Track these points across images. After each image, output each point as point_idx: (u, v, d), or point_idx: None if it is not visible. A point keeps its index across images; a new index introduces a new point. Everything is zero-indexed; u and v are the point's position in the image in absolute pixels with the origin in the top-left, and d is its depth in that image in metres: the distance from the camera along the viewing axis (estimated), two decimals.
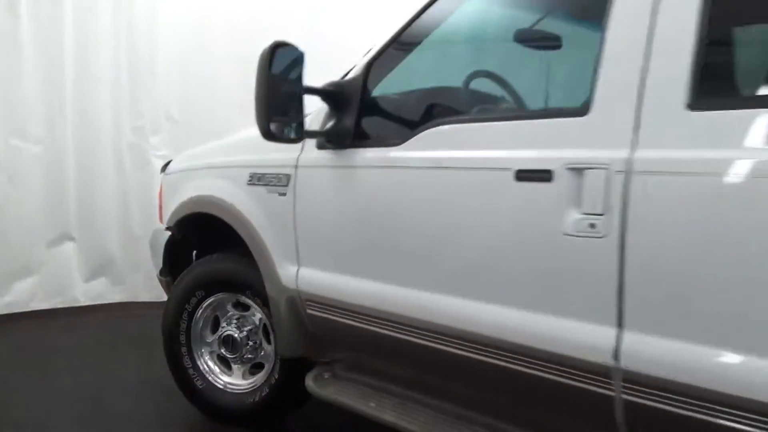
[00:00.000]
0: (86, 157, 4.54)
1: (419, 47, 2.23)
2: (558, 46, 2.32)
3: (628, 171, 1.52)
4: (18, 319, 4.37)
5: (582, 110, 1.65)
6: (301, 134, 2.08)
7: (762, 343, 1.35)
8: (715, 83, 1.51)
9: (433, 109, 2.19)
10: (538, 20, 2.36)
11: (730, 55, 1.67)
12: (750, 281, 1.36)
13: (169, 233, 3.06)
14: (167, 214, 3.06)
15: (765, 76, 1.70)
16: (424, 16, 2.15)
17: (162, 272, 3.18)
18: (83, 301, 4.65)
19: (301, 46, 3.65)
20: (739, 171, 1.37)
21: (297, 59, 2.02)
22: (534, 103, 2.30)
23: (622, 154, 1.54)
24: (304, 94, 2.07)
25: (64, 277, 4.59)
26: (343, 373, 2.46)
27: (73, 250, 4.61)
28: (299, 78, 2.04)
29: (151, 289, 4.40)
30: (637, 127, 1.53)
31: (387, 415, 2.19)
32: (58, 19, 4.32)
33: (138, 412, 3.00)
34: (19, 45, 4.23)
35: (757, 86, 1.72)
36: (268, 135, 1.98)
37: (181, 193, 2.97)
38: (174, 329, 2.91)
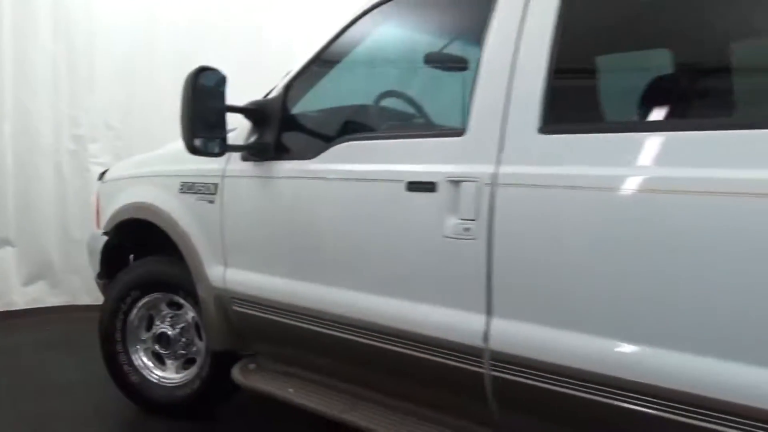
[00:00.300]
0: (25, 164, 4.64)
1: (332, 70, 2.50)
2: (459, 69, 2.62)
3: (493, 184, 1.82)
4: None
5: (461, 131, 1.95)
6: (224, 149, 2.32)
7: (597, 325, 1.65)
8: (562, 111, 1.83)
9: (343, 126, 2.46)
10: (444, 46, 2.65)
11: (576, 85, 1.99)
12: (587, 274, 1.67)
13: (105, 238, 3.24)
14: (104, 220, 3.24)
15: (608, 104, 2.03)
16: (336, 42, 2.43)
17: (99, 275, 3.35)
18: (21, 305, 4.74)
19: (241, 48, 3.96)
20: (576, 184, 1.68)
21: (219, 81, 2.26)
22: (431, 121, 2.58)
23: (489, 169, 1.84)
24: (226, 112, 2.31)
25: (2, 282, 4.67)
26: (267, 364, 2.70)
27: (12, 255, 4.70)
28: (222, 98, 2.28)
29: (90, 293, 4.52)
30: (501, 147, 1.84)
31: (306, 400, 2.44)
32: None
33: (75, 408, 3.15)
34: None
35: (600, 112, 2.04)
36: (192, 150, 2.22)
37: (117, 200, 3.16)
38: (110, 328, 3.09)
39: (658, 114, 1.90)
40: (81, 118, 4.77)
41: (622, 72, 2.14)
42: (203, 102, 2.22)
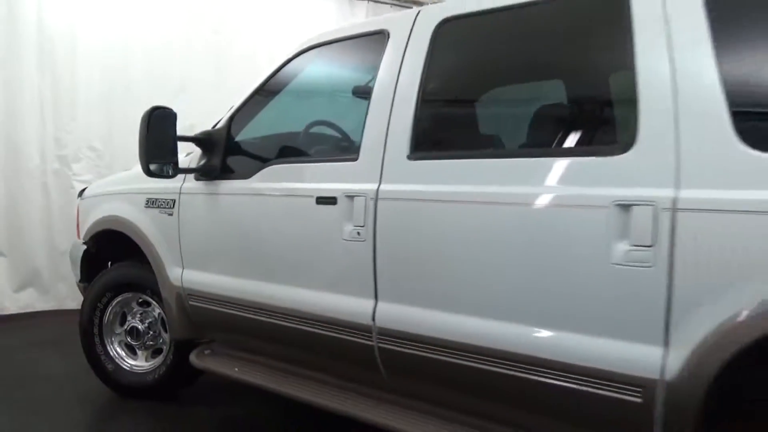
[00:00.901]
0: (15, 183, 5.16)
1: (267, 104, 3.05)
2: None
3: (377, 198, 2.36)
4: None
5: (355, 156, 2.49)
6: (176, 172, 2.86)
7: (450, 304, 2.19)
8: (429, 140, 2.37)
9: (274, 151, 3.00)
10: (370, 80, 3.19)
11: (437, 119, 2.53)
12: (442, 266, 2.20)
13: (85, 247, 3.76)
14: (83, 232, 3.77)
15: (463, 136, 2.58)
16: (269, 82, 2.98)
17: (80, 279, 3.87)
18: (13, 310, 5.25)
19: (206, 68, 4.52)
20: (432, 198, 2.23)
21: (171, 117, 2.80)
22: (345, 146, 3.11)
23: (374, 186, 2.38)
24: (177, 142, 2.84)
25: None
26: (219, 349, 3.23)
27: (3, 265, 5.21)
28: (173, 130, 2.81)
29: (75, 299, 5.00)
30: (383, 169, 2.38)
31: (248, 376, 2.97)
32: None
33: (59, 394, 3.65)
34: None
35: (452, 143, 2.58)
36: (148, 173, 2.76)
37: (94, 214, 3.68)
38: (88, 324, 3.61)
39: (481, 144, 2.46)
40: (65, 140, 5.29)
41: (471, 109, 2.69)
42: (157, 134, 2.75)
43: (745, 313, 1.61)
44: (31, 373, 4.00)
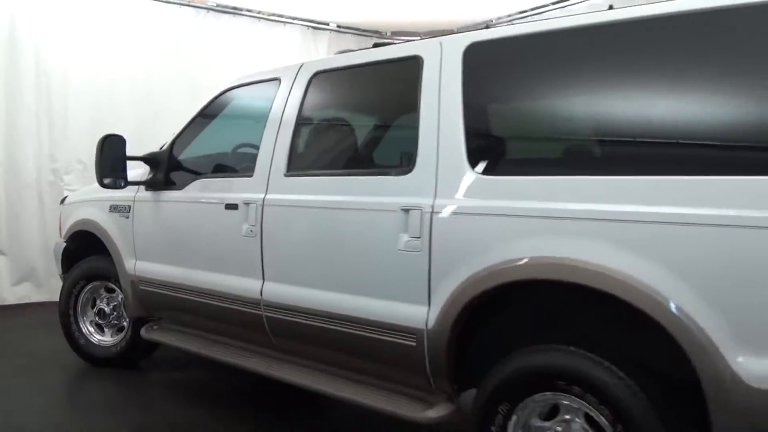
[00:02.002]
0: (14, 192, 6.06)
1: (200, 131, 3.89)
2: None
3: (263, 205, 3.19)
4: None
5: (251, 173, 3.32)
6: (126, 184, 3.71)
7: (308, 282, 3.00)
8: (298, 162, 3.20)
9: (202, 168, 3.82)
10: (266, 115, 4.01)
11: (304, 147, 3.34)
12: (300, 255, 3.02)
13: (64, 244, 4.62)
14: (64, 232, 4.63)
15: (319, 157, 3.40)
16: (201, 114, 3.83)
17: (62, 272, 4.73)
18: (11, 301, 6.13)
19: (181, 96, 5.34)
20: (297, 205, 3.05)
21: (120, 141, 3.65)
22: (247, 166, 3.83)
23: (262, 196, 3.21)
24: (127, 161, 3.69)
25: None
26: (164, 325, 4.06)
27: (3, 262, 6.10)
28: (123, 152, 3.66)
29: None
30: (269, 183, 3.22)
31: (183, 344, 3.80)
32: None
33: (42, 363, 4.50)
34: None
35: (312, 164, 3.39)
36: (102, 185, 3.62)
37: (71, 217, 4.54)
38: (66, 307, 4.46)
39: (325, 165, 3.29)
40: (57, 156, 6.19)
41: (323, 140, 3.51)
42: (109, 155, 3.60)
43: (470, 281, 2.42)
44: (21, 349, 4.86)
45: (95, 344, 4.45)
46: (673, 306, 1.95)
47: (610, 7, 2.40)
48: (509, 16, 7.21)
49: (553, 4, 6.47)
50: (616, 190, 2.14)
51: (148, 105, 6.45)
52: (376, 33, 8.05)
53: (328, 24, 7.75)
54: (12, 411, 3.66)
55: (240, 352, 3.55)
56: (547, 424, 2.33)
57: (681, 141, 2.15)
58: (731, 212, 1.89)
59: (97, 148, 3.61)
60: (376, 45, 3.13)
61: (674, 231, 1.99)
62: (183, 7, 6.84)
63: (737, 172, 1.94)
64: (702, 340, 1.91)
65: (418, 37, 7.79)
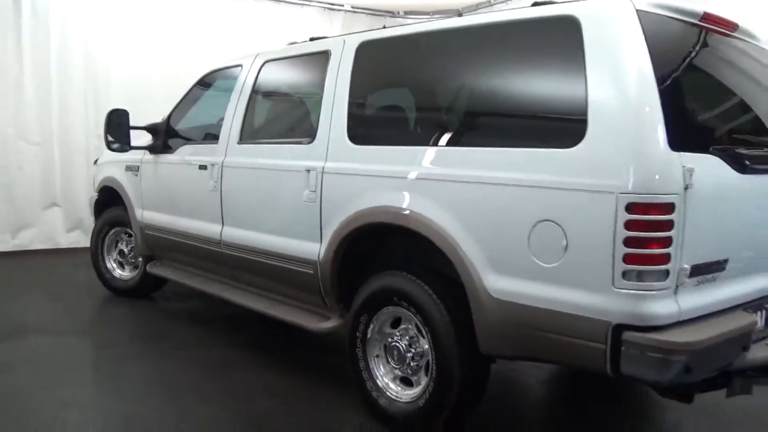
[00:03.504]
0: (66, 155, 7.24)
1: (190, 107, 4.82)
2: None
3: (223, 166, 4.10)
4: (23, 255, 7.10)
5: (216, 141, 4.22)
6: (129, 149, 4.69)
7: (247, 225, 3.90)
8: (247, 133, 4.07)
9: (190, 136, 4.76)
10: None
11: (250, 121, 4.17)
12: (242, 205, 3.91)
13: (96, 196, 5.71)
14: (95, 187, 5.71)
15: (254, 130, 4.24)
16: (188, 94, 4.75)
17: (95, 219, 5.82)
18: (65, 245, 7.36)
19: None
20: (242, 166, 3.94)
21: (124, 114, 4.63)
22: (216, 134, 4.68)
23: (222, 159, 4.11)
24: (130, 130, 4.67)
25: (53, 229, 7.32)
26: (165, 262, 5.07)
27: (58, 213, 7.33)
28: (127, 122, 4.63)
29: None
30: (227, 149, 4.11)
31: (177, 277, 4.79)
32: (46, 74, 7.06)
33: (79, 289, 5.63)
34: (24, 89, 6.95)
35: (254, 135, 4.23)
36: (110, 149, 4.62)
37: (100, 175, 5.61)
38: (94, 248, 5.56)
39: (263, 135, 4.13)
40: (101, 126, 7.28)
41: (263, 117, 4.35)
42: (116, 125, 4.59)
43: (343, 224, 3.24)
44: (65, 281, 6.03)
45: (117, 278, 5.53)
46: (451, 239, 2.73)
47: (459, 14, 3.13)
48: None
49: None
50: (429, 157, 2.91)
51: (177, 83, 7.40)
52: (389, 13, 8.76)
53: (342, 5, 8.51)
54: (44, 322, 4.77)
55: (211, 282, 4.50)
56: (394, 330, 3.15)
57: (471, 123, 2.91)
58: (487, 174, 2.64)
59: (105, 120, 4.61)
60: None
61: (456, 187, 2.75)
62: None
63: (499, 145, 2.68)
64: (467, 264, 2.68)
65: (427, 17, 8.52)
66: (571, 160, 2.40)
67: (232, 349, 4.22)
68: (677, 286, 2.32)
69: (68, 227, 7.41)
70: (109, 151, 5.65)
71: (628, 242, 2.25)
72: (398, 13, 8.83)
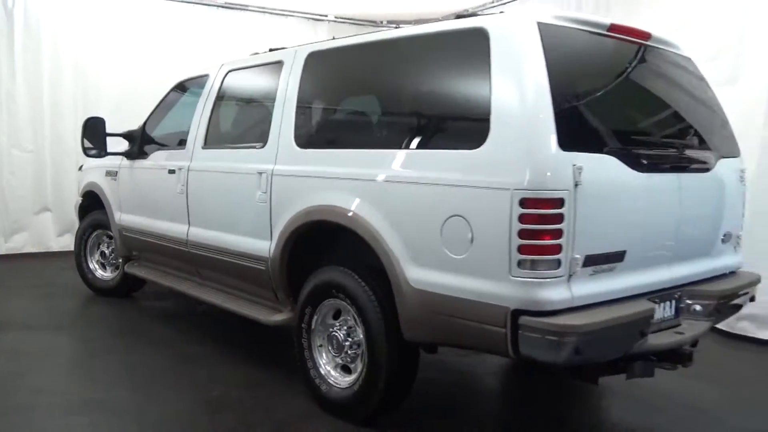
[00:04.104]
0: (57, 162, 7.52)
1: (164, 115, 5.08)
2: None
3: (189, 170, 4.35)
4: (16, 258, 7.38)
5: (184, 147, 4.48)
6: (105, 155, 4.96)
7: (209, 224, 4.14)
8: (210, 139, 4.31)
9: (163, 142, 5.02)
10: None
11: (213, 128, 4.41)
12: (203, 207, 4.15)
13: (80, 201, 5.97)
14: (80, 192, 5.98)
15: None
16: (162, 102, 5.02)
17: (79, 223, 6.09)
18: (56, 248, 7.64)
19: None
20: (205, 170, 4.19)
21: (100, 121, 4.89)
22: (183, 140, 4.94)
23: (188, 164, 4.36)
24: (107, 137, 4.93)
25: (44, 233, 7.60)
26: (141, 262, 5.33)
27: (50, 217, 7.62)
28: (103, 129, 4.90)
29: None
30: (193, 154, 4.36)
31: (152, 276, 5.04)
32: (38, 85, 7.36)
33: (65, 291, 5.89)
34: (17, 99, 7.26)
35: (215, 141, 4.48)
36: (86, 155, 4.88)
37: (84, 180, 5.88)
38: (78, 250, 5.82)
39: (221, 141, 4.37)
40: None
41: (223, 124, 4.59)
42: (92, 132, 4.85)
43: (288, 222, 3.48)
44: (52, 282, 6.29)
45: (99, 278, 5.79)
46: (377, 234, 2.95)
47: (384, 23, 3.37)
48: (492, 4, 7.93)
49: None
50: (358, 159, 3.15)
51: (165, 92, 7.71)
52: (371, 23, 9.01)
53: (326, 15, 8.78)
54: (28, 319, 5.03)
55: (180, 280, 4.75)
56: (336, 321, 3.37)
57: (394, 127, 3.15)
58: (406, 173, 2.87)
59: (82, 127, 4.88)
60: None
61: (381, 186, 2.98)
62: (196, 5, 8.07)
63: (417, 147, 2.92)
64: (391, 257, 2.90)
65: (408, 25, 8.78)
66: (476, 160, 2.63)
67: (199, 344, 4.46)
68: (570, 275, 2.53)
69: (59, 231, 7.69)
70: (92, 158, 5.97)
71: (522, 234, 2.47)
72: (381, 22, 9.07)
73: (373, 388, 3.08)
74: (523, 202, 2.45)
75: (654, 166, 2.84)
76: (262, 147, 3.75)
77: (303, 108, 3.60)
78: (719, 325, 5.05)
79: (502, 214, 2.50)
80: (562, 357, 2.46)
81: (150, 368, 4.01)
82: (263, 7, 8.40)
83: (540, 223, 2.46)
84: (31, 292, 5.96)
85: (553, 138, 2.48)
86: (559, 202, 2.46)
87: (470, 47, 2.79)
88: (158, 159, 4.81)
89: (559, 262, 2.49)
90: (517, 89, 2.59)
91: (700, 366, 4.27)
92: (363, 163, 3.12)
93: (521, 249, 2.47)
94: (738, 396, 3.87)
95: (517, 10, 2.59)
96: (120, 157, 5.20)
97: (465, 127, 2.80)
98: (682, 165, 3.02)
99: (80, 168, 6.20)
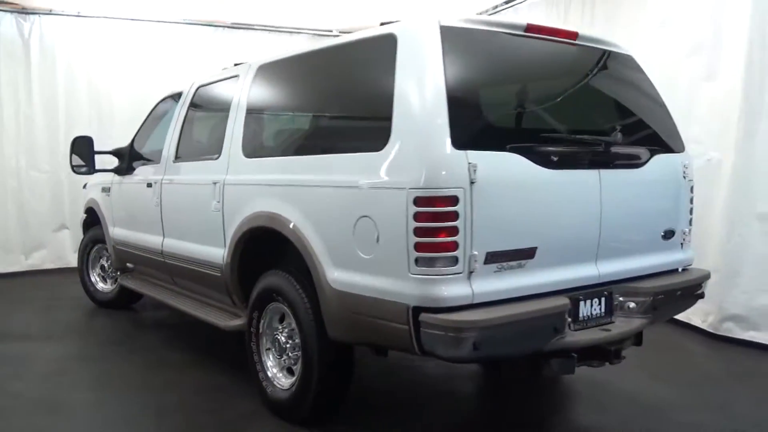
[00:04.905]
0: (73, 181, 7.81)
1: (148, 132, 5.31)
2: None
3: (162, 183, 4.54)
4: (36, 274, 7.75)
5: (159, 161, 4.67)
6: (94, 171, 5.20)
7: (178, 234, 4.30)
8: (179, 152, 4.49)
9: (149, 157, 5.22)
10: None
11: (183, 142, 4.59)
12: (171, 218, 4.33)
13: (84, 217, 6.26)
14: (84, 208, 6.27)
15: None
16: (147, 119, 5.25)
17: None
18: (74, 264, 7.92)
19: None
20: (174, 182, 4.37)
21: (88, 140, 5.15)
22: (159, 155, 5.17)
23: (161, 177, 4.55)
24: (95, 155, 5.18)
25: (63, 250, 7.96)
26: (134, 274, 5.54)
27: (68, 234, 7.97)
28: (91, 148, 5.15)
29: None
30: (165, 168, 4.55)
31: (140, 287, 5.24)
32: (54, 106, 7.75)
33: (71, 302, 6.15)
34: (34, 122, 7.66)
35: (182, 155, 4.65)
36: (75, 172, 5.14)
37: (86, 197, 6.17)
38: (80, 264, 6.11)
39: (183, 156, 4.53)
40: (106, 143, 7.92)
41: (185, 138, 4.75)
42: (79, 151, 5.11)
43: (236, 229, 3.60)
44: (60, 295, 6.59)
45: (100, 291, 6.05)
46: (303, 238, 3.04)
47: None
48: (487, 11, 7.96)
49: (505, 4, 7.24)
50: (288, 166, 3.26)
51: None
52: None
53: (331, 31, 8.96)
54: (28, 328, 5.30)
55: (160, 289, 4.93)
56: (280, 325, 3.46)
57: (316, 133, 3.25)
58: (324, 177, 2.96)
59: (70, 146, 5.15)
60: None
61: (305, 191, 3.08)
62: (204, 26, 8.37)
63: (334, 151, 3.00)
64: (314, 259, 2.98)
65: None
66: (379, 162, 2.69)
67: (178, 352, 4.62)
68: (471, 272, 2.55)
69: (76, 247, 7.97)
70: (93, 176, 6.25)
71: (417, 232, 2.52)
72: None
73: (307, 389, 3.15)
74: (417, 201, 2.51)
75: (566, 162, 2.84)
76: (217, 158, 3.89)
77: (250, 119, 3.73)
78: (704, 327, 4.95)
79: (400, 213, 2.56)
80: (462, 353, 2.49)
81: (119, 375, 4.18)
82: (267, 26, 8.64)
83: (434, 221, 2.50)
84: (38, 305, 6.26)
85: (447, 138, 2.53)
86: (453, 200, 2.50)
87: (383, 53, 2.87)
88: (141, 174, 5.02)
89: (456, 259, 2.52)
90: (417, 91, 2.65)
91: (668, 366, 4.24)
92: (291, 170, 3.22)
93: (418, 247, 2.52)
94: (697, 394, 3.79)
95: (428, 16, 2.65)
96: (111, 174, 5.44)
97: (372, 130, 2.87)
98: (603, 161, 3.00)
99: (84, 186, 6.49)
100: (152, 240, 4.72)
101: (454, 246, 2.51)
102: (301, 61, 3.52)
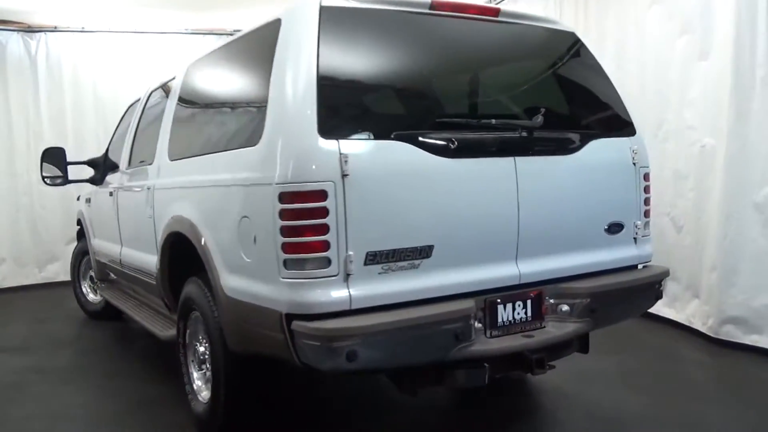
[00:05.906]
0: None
1: (121, 141, 5.26)
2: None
3: (117, 190, 4.46)
4: (49, 286, 7.88)
5: (118, 169, 4.60)
6: (67, 183, 5.19)
7: (139, 245, 4.20)
8: (131, 160, 4.39)
9: (112, 166, 5.17)
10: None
11: (136, 147, 4.48)
12: (131, 226, 4.23)
13: (78, 227, 6.30)
14: (76, 220, 6.31)
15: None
16: (119, 126, 5.20)
17: None
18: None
19: None
20: (132, 188, 4.28)
21: (60, 151, 5.14)
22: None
23: (117, 185, 4.47)
24: (68, 165, 5.17)
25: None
26: (112, 285, 5.49)
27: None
28: (64, 159, 5.14)
29: None
30: (121, 175, 4.47)
31: (113, 299, 5.19)
32: (62, 121, 7.89)
33: (67, 313, 6.19)
34: (43, 137, 7.81)
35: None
36: (45, 183, 5.13)
37: (78, 209, 6.20)
38: (72, 275, 6.13)
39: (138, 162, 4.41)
40: None
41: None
42: (50, 161, 5.10)
43: (160, 235, 3.45)
44: (63, 306, 6.62)
45: (90, 302, 6.06)
46: (203, 242, 2.86)
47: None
48: None
49: None
50: (190, 167, 3.09)
51: None
52: None
53: None
54: (11, 339, 5.33)
55: (126, 299, 4.84)
56: (201, 335, 3.28)
57: (206, 131, 3.06)
58: (209, 177, 2.78)
59: (40, 158, 5.14)
60: None
61: (201, 191, 2.90)
62: (206, 35, 8.36)
63: (219, 149, 2.82)
64: (212, 265, 2.79)
65: None
66: (253, 158, 2.49)
67: (144, 362, 4.53)
68: (348, 274, 2.31)
69: None
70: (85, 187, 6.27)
71: (284, 231, 2.29)
72: None
73: (216, 402, 2.96)
74: (282, 197, 2.28)
75: (469, 150, 2.55)
76: (151, 163, 3.77)
77: (176, 121, 3.59)
78: (703, 330, 4.50)
79: (269, 211, 2.34)
80: (337, 364, 2.24)
81: (74, 385, 4.10)
82: None
83: (300, 219, 2.27)
84: (35, 316, 6.30)
85: (314, 127, 2.29)
86: (321, 195, 2.26)
87: (267, 40, 2.66)
88: (108, 183, 4.97)
89: (329, 261, 2.28)
90: (290, 79, 2.42)
91: (652, 375, 3.83)
92: (190, 171, 3.07)
93: (285, 248, 2.29)
94: (673, 408, 3.38)
95: None
96: (92, 186, 5.42)
97: (251, 123, 2.65)
98: (520, 147, 2.68)
99: (78, 198, 6.53)
100: (114, 250, 4.65)
101: (325, 246, 2.27)
102: (215, 57, 3.35)
